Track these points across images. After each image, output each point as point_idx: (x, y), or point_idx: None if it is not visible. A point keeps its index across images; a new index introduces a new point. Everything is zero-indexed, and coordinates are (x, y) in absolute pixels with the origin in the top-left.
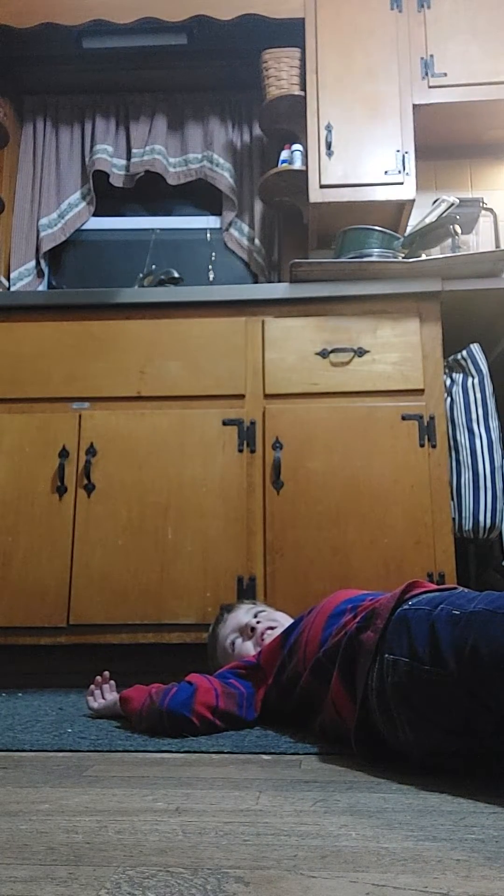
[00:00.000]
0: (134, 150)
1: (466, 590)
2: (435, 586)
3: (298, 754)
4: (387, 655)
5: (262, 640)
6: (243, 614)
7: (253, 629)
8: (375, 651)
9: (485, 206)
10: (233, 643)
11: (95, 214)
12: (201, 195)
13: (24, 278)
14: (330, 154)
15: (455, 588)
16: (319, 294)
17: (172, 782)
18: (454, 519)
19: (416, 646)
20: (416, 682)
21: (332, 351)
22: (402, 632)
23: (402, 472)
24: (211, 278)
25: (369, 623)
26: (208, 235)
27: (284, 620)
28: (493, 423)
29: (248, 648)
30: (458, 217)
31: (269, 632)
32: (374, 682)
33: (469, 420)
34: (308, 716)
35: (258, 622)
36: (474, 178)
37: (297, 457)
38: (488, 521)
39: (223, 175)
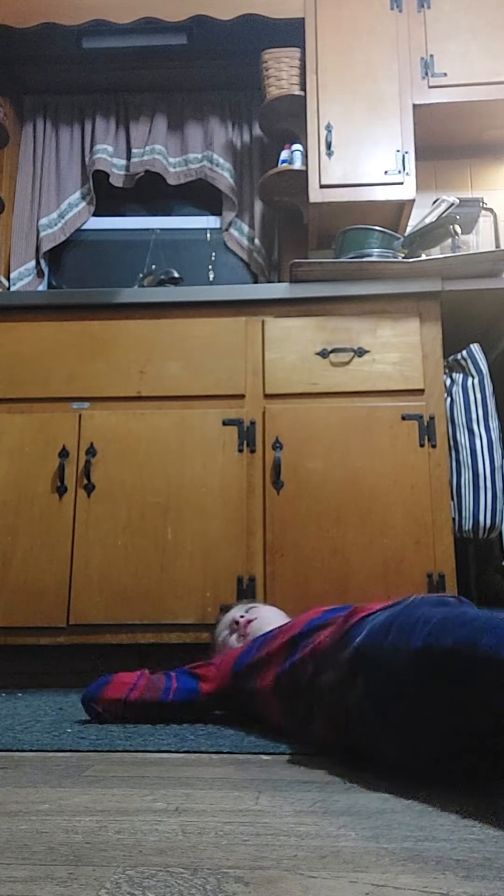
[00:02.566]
0: (134, 150)
1: (407, 601)
2: (378, 606)
3: (297, 755)
4: (359, 683)
5: (246, 632)
6: (235, 611)
7: (237, 623)
8: (340, 688)
9: (485, 206)
10: (224, 639)
11: (95, 214)
12: (201, 195)
13: (24, 278)
14: (330, 154)
15: (397, 604)
16: (319, 294)
17: (172, 782)
18: (454, 519)
19: (381, 674)
20: (390, 705)
21: (332, 351)
22: (366, 661)
23: (402, 472)
24: (211, 278)
25: (325, 665)
26: (208, 235)
27: (269, 614)
28: (493, 423)
29: (232, 642)
30: (458, 217)
31: (251, 624)
32: (353, 711)
33: (469, 420)
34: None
35: (242, 616)
36: (474, 178)
37: (297, 457)
38: (488, 521)
39: (223, 175)
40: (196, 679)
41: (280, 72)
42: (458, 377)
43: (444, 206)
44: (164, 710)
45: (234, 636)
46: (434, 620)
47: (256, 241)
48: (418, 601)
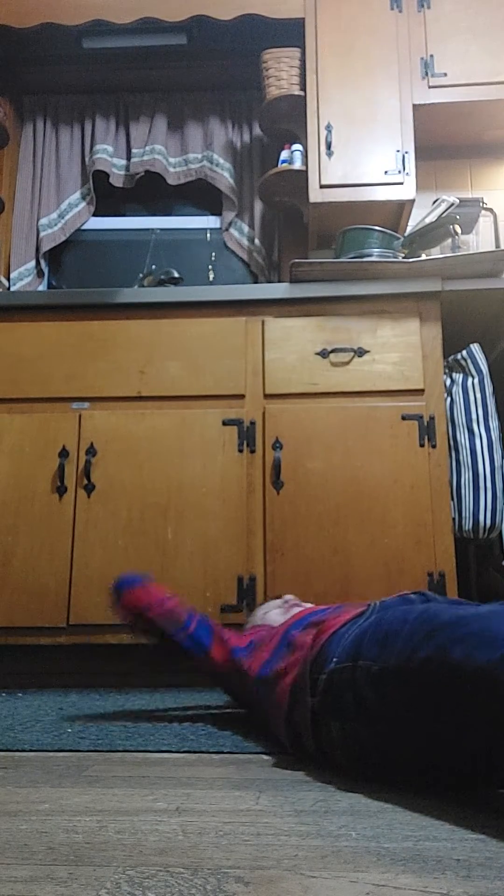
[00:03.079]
0: (134, 150)
1: (377, 609)
2: (349, 616)
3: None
4: (329, 720)
5: (290, 609)
6: (286, 596)
7: (286, 601)
8: (316, 717)
9: (485, 206)
10: (267, 610)
11: (95, 214)
12: (201, 195)
13: (24, 278)
14: (330, 154)
15: (365, 608)
16: (319, 294)
17: (172, 782)
18: (454, 519)
19: (349, 709)
20: (359, 741)
21: (332, 351)
22: (333, 696)
23: (402, 472)
24: (211, 278)
25: (298, 698)
26: (208, 235)
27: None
28: (493, 423)
29: (275, 615)
30: (458, 217)
31: (294, 608)
32: (330, 742)
33: (469, 420)
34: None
35: (292, 598)
36: (474, 178)
37: (297, 457)
38: (488, 520)
39: (223, 175)
40: (211, 637)
41: (280, 72)
42: (458, 377)
43: (444, 206)
44: (169, 642)
45: (279, 610)
46: (402, 635)
47: (256, 241)
48: (379, 608)
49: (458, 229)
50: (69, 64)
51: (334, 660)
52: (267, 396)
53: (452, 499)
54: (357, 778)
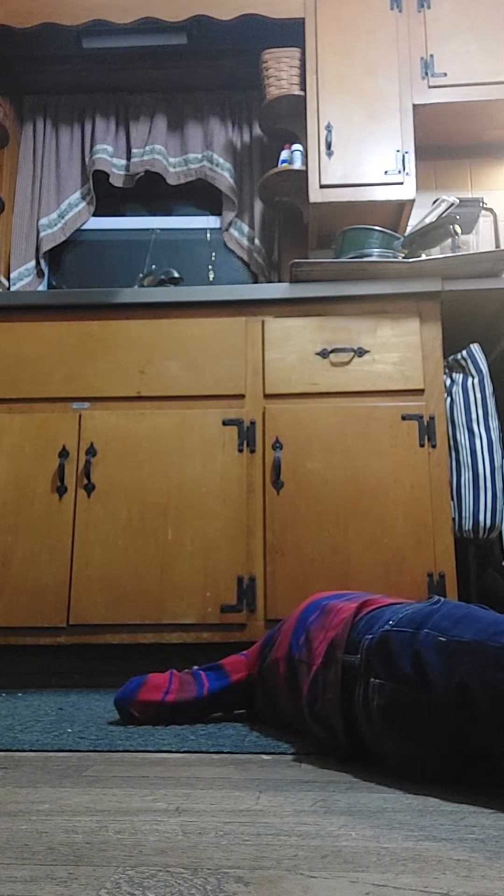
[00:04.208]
0: (134, 150)
1: (438, 602)
2: (391, 600)
3: (298, 754)
4: (372, 680)
5: None
6: None
7: None
8: (356, 677)
9: (485, 206)
10: None
11: (95, 214)
12: (201, 195)
13: (24, 278)
14: (330, 154)
15: (430, 601)
16: (319, 294)
17: (172, 782)
18: (454, 519)
19: (401, 671)
20: (401, 705)
21: (332, 351)
22: (385, 655)
23: (402, 472)
24: (211, 278)
25: (332, 657)
26: (208, 235)
27: None
28: (493, 423)
29: None
30: (458, 217)
31: None
32: (360, 705)
33: (469, 420)
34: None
35: None
36: (474, 178)
37: (297, 457)
38: (488, 521)
39: (223, 175)
40: (224, 671)
41: (280, 72)
42: (458, 377)
43: (444, 206)
44: (200, 706)
45: None
46: (486, 619)
47: (256, 241)
48: (441, 606)
49: (458, 229)
50: (69, 64)
51: (390, 622)
52: (267, 396)
53: (452, 499)
54: (370, 759)
